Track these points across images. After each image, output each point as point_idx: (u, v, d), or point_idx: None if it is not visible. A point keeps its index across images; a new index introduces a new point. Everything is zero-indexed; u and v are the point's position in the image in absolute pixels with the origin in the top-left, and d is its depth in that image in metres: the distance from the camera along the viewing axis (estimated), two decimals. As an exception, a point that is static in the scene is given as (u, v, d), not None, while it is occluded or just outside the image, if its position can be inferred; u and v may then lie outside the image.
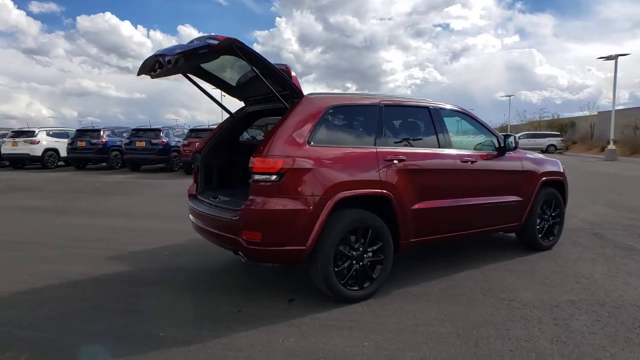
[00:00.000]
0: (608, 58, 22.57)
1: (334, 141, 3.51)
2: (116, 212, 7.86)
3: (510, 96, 45.64)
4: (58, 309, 3.42)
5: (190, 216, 4.23)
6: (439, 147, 4.13)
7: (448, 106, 4.44)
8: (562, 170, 5.24)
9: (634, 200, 8.97)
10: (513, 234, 5.19)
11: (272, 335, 2.97)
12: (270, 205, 3.16)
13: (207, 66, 3.97)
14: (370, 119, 3.76)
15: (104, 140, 16.04)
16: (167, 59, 3.21)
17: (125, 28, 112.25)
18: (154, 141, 14.87)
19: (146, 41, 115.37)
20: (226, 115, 4.54)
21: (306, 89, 3.65)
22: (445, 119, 4.32)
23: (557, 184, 5.16)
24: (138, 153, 15.15)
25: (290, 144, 3.26)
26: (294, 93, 3.50)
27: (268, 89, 3.60)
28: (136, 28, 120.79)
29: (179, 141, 15.45)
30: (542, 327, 3.09)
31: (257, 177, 3.21)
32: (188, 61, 3.23)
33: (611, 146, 22.05)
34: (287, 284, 3.98)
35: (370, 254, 3.55)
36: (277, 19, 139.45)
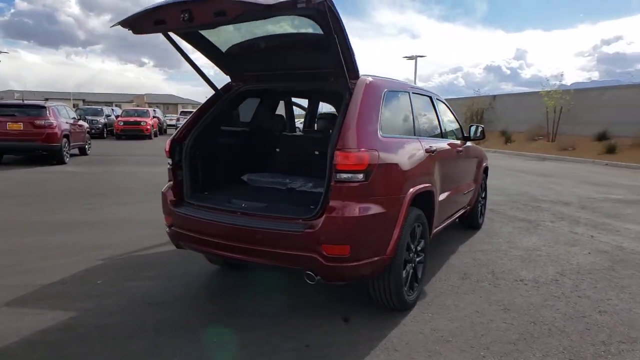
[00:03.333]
0: (410, 58, 26.57)
1: (391, 131, 3.09)
2: None
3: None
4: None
5: (176, 229, 3.16)
6: (442, 136, 4.11)
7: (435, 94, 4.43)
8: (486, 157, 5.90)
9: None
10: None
11: (383, 367, 2.47)
12: (360, 210, 2.59)
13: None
14: (407, 108, 3.46)
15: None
16: (239, 10, 2.19)
17: None
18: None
19: None
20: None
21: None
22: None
23: (485, 170, 5.78)
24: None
25: (369, 135, 2.73)
26: (353, 73, 2.91)
27: (288, 64, 2.94)
28: None
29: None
30: (575, 301, 3.43)
31: (341, 176, 2.57)
32: (265, 17, 2.30)
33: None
34: (307, 302, 3.38)
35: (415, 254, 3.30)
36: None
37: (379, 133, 2.82)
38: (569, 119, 19.44)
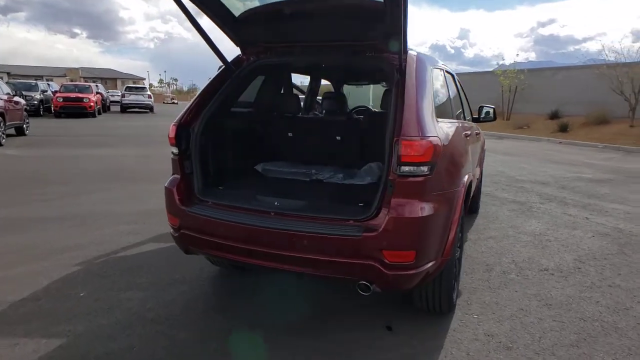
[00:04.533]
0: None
1: (439, 114, 2.71)
2: None
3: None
4: None
5: (186, 232, 2.63)
6: (464, 118, 3.81)
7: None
8: None
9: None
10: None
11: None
12: (426, 209, 2.21)
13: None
14: (444, 87, 3.10)
15: None
16: None
17: None
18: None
19: None
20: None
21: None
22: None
23: (484, 152, 5.59)
24: None
25: (429, 120, 2.34)
26: (405, 47, 2.47)
27: (315, 35, 2.56)
28: None
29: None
30: (609, 291, 3.30)
31: (404, 169, 2.17)
32: None
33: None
34: (335, 309, 3.03)
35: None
36: None
37: (434, 116, 2.44)
38: (522, 98, 20.08)
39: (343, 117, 3.43)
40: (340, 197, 2.65)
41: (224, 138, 2.97)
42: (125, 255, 3.79)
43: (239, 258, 2.51)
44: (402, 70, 2.41)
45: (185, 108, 2.78)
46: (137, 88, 29.65)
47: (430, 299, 2.66)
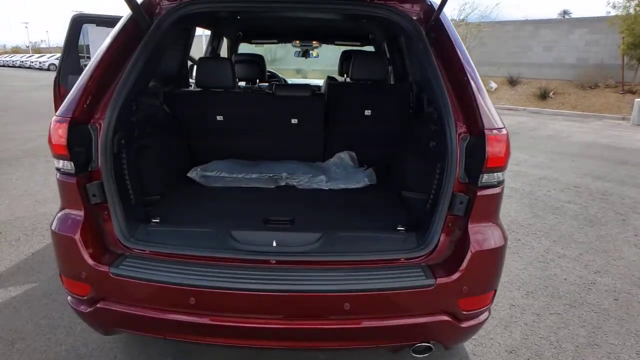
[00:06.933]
0: None
1: None
2: None
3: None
4: None
5: (108, 307, 1.49)
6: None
7: None
8: None
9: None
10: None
11: None
12: (503, 232, 1.58)
13: None
14: None
15: None
16: None
17: None
18: None
19: None
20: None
21: None
22: None
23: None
24: None
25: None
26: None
27: None
28: None
29: None
30: (563, 264, 3.28)
31: (486, 177, 1.49)
32: None
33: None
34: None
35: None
36: None
37: None
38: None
39: (305, 93, 2.50)
40: (349, 215, 1.83)
41: (144, 135, 1.80)
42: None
43: (223, 341, 1.51)
44: (437, 27, 1.66)
45: (75, 90, 1.51)
46: None
47: None
